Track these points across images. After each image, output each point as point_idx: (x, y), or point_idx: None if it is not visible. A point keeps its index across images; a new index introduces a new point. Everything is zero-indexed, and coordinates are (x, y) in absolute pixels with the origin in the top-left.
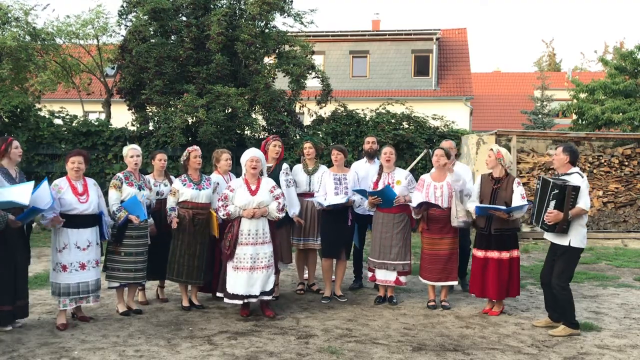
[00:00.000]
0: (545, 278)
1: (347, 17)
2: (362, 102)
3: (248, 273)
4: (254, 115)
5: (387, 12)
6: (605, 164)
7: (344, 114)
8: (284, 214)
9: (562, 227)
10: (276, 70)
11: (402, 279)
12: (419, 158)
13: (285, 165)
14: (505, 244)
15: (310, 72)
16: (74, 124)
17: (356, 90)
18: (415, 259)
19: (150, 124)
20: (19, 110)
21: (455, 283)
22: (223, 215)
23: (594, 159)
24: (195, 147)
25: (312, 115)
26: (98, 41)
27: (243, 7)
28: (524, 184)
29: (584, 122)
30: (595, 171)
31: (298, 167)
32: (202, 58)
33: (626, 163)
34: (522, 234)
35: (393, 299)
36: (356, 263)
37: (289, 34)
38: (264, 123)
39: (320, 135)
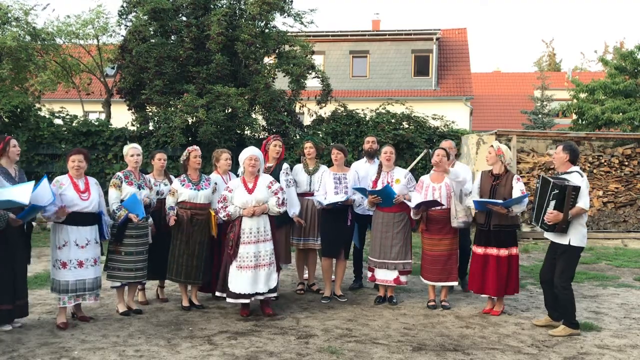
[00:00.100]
0: (545, 276)
1: (347, 17)
2: (362, 102)
3: (253, 271)
4: (254, 115)
5: (387, 12)
6: (605, 164)
7: (344, 114)
8: (285, 208)
9: (561, 227)
10: (276, 70)
11: (403, 278)
12: (419, 158)
13: (285, 165)
14: (504, 241)
15: (310, 72)
16: (74, 124)
17: (356, 90)
18: (415, 259)
19: (150, 124)
20: (19, 110)
21: (455, 283)
22: (224, 216)
23: (594, 159)
24: (195, 147)
25: (312, 115)
26: (98, 41)
27: (243, 7)
28: (524, 184)
29: (584, 122)
30: (595, 171)
31: (298, 167)
32: (202, 58)
33: (626, 163)
34: (522, 233)
35: (393, 299)
36: (356, 263)
37: (289, 34)
38: (264, 123)
39: (320, 135)
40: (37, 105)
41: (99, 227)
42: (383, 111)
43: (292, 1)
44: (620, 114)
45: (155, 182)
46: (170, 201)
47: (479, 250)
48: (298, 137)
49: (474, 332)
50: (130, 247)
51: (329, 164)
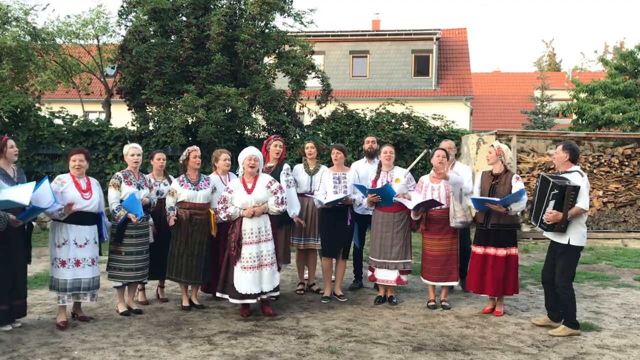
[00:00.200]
0: (546, 276)
1: (347, 17)
2: (362, 102)
3: (257, 271)
4: (254, 115)
5: (387, 12)
6: (605, 164)
7: (344, 114)
8: (284, 207)
9: (560, 227)
10: (276, 70)
11: (403, 277)
12: (419, 158)
13: (286, 166)
14: (503, 241)
15: (310, 72)
16: (74, 124)
17: (356, 90)
18: (416, 259)
19: (150, 124)
20: (19, 110)
21: (455, 283)
22: (224, 217)
23: (594, 159)
24: (195, 147)
25: (312, 115)
26: (98, 41)
27: (243, 7)
28: (524, 184)
29: (584, 122)
30: (595, 171)
31: (299, 167)
32: (202, 58)
33: (626, 163)
34: (522, 233)
35: (393, 299)
36: (356, 263)
37: (289, 34)
38: (264, 123)
39: (320, 135)
40: (37, 105)
41: (98, 228)
42: (383, 111)
43: (292, 1)
44: (620, 114)
45: (155, 182)
46: (170, 201)
47: (479, 250)
48: (298, 137)
49: (474, 332)
50: (130, 247)
51: (329, 164)
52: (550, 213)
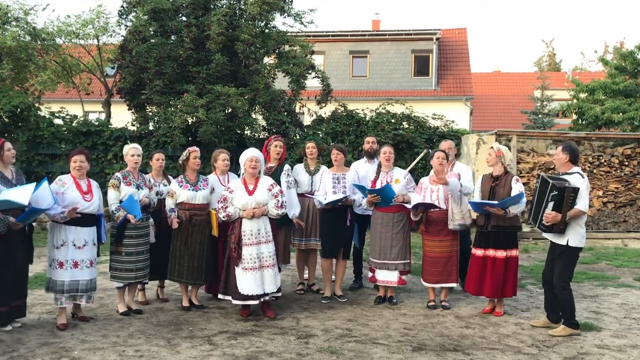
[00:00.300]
0: (546, 277)
1: (347, 17)
2: (362, 102)
3: (259, 272)
4: (254, 115)
5: (387, 12)
6: (605, 164)
7: (344, 114)
8: (283, 211)
9: (559, 228)
10: (276, 70)
11: (404, 277)
12: (418, 158)
13: (286, 167)
14: (503, 243)
15: (310, 72)
16: (74, 124)
17: (356, 90)
18: (415, 259)
19: (150, 124)
20: (19, 110)
21: (454, 285)
22: (223, 217)
23: (594, 159)
24: (195, 148)
25: (312, 115)
26: (98, 41)
27: (243, 7)
28: (524, 184)
29: (584, 122)
30: (595, 171)
31: (299, 167)
32: (202, 58)
33: (626, 163)
34: (522, 234)
35: (393, 299)
36: (356, 263)
37: (289, 34)
38: (264, 123)
39: (320, 135)
40: (37, 105)
41: (97, 229)
42: (383, 111)
43: (292, 1)
44: (620, 114)
45: (154, 183)
46: (169, 203)
47: (478, 252)
48: (298, 137)
49: (474, 332)
50: (130, 248)
51: (329, 164)
52: (549, 214)
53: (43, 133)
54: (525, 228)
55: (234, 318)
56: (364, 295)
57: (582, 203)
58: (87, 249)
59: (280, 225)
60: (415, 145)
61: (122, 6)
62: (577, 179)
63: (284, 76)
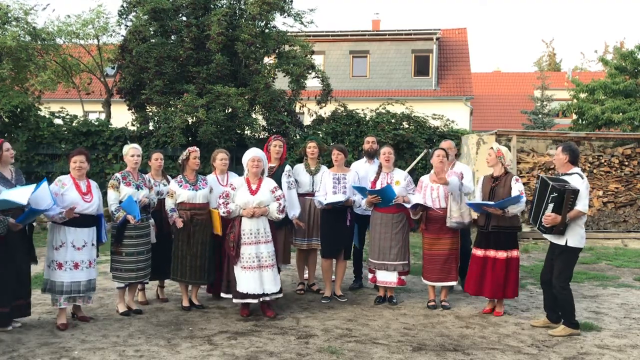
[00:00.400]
0: (545, 277)
1: (347, 17)
2: (362, 102)
3: (258, 272)
4: (254, 115)
5: (387, 12)
6: (605, 164)
7: (344, 114)
8: (283, 215)
9: (559, 229)
10: (276, 70)
11: (403, 278)
12: (418, 158)
13: (287, 167)
14: (503, 243)
15: (310, 72)
16: (74, 124)
17: (356, 90)
18: (415, 259)
19: (150, 124)
20: (19, 110)
21: (454, 283)
22: (223, 212)
23: (594, 159)
24: (195, 148)
25: (312, 115)
26: (98, 41)
27: (243, 7)
28: (524, 184)
29: (584, 122)
30: (595, 171)
31: (300, 167)
32: (202, 58)
33: (626, 163)
34: (522, 234)
35: (393, 299)
36: (356, 263)
37: (289, 34)
38: (264, 123)
39: (320, 135)
40: (37, 105)
41: (97, 230)
42: (383, 111)
43: (292, 1)
44: (620, 114)
45: (155, 183)
46: (169, 203)
47: (479, 252)
48: (298, 137)
49: (474, 332)
50: (131, 248)
51: (329, 164)
52: (549, 216)
53: (43, 133)
54: (525, 228)
55: (234, 318)
56: (364, 295)
57: (581, 204)
58: (87, 249)
59: (281, 225)
60: (415, 145)
61: (122, 6)
62: (576, 179)
63: (284, 76)
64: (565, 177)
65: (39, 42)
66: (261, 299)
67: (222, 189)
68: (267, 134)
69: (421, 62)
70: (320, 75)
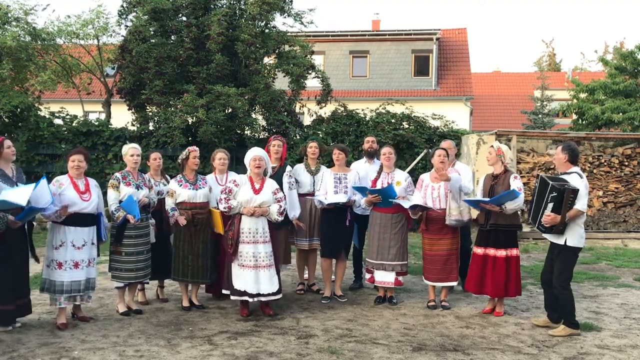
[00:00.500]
0: (545, 277)
1: (347, 17)
2: (362, 102)
3: (254, 271)
4: (254, 115)
5: (387, 12)
6: (605, 164)
7: (344, 114)
8: (283, 218)
9: (559, 229)
10: (276, 70)
11: (400, 279)
12: (419, 158)
13: (288, 168)
14: (503, 242)
15: (310, 72)
16: (74, 124)
17: (356, 90)
18: (415, 259)
19: (150, 124)
20: (19, 110)
21: (454, 283)
22: (224, 207)
23: (594, 159)
24: (195, 147)
25: (312, 115)
26: (98, 41)
27: (243, 7)
28: (524, 184)
29: (584, 122)
30: (595, 171)
31: (300, 167)
32: (202, 58)
33: (626, 163)
34: (522, 233)
35: (393, 299)
36: (356, 263)
37: (289, 34)
38: (264, 123)
39: (320, 135)
40: (37, 105)
41: (97, 228)
42: (383, 111)
43: (292, 1)
44: (620, 114)
45: (155, 182)
46: (170, 203)
47: (479, 250)
48: (298, 137)
49: (474, 332)
50: (130, 248)
51: (328, 164)
52: (548, 216)
53: (43, 133)
54: (525, 228)
55: (234, 318)
56: (364, 295)
57: (580, 203)
58: (87, 248)
59: (281, 226)
60: (415, 145)
61: (122, 6)
62: (575, 178)
63: (284, 76)
64: (565, 177)
65: (39, 42)
66: (255, 299)
67: (220, 189)
68: (267, 134)
69: (421, 62)
70: (320, 76)
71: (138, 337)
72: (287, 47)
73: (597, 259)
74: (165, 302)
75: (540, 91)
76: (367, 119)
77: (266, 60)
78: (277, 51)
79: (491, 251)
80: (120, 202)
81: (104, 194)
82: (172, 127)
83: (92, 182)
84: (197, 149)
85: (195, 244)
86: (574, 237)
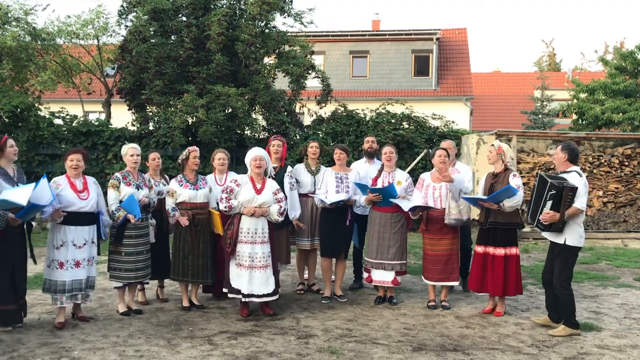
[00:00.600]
0: (546, 277)
1: (347, 17)
2: (362, 102)
3: (248, 271)
4: (254, 115)
5: (387, 12)
6: (605, 164)
7: (344, 114)
8: (283, 218)
9: (557, 227)
10: (276, 70)
11: (399, 278)
12: (419, 158)
13: (289, 168)
14: (501, 240)
15: (310, 72)
16: (74, 124)
17: (356, 90)
18: (415, 259)
19: (150, 124)
20: (19, 110)
21: (456, 283)
22: (225, 207)
23: (594, 159)
24: (195, 148)
25: (312, 115)
26: (98, 41)
27: (243, 7)
28: (524, 184)
29: (584, 122)
30: (595, 171)
31: (300, 167)
32: (202, 58)
33: (626, 163)
34: (522, 233)
35: (393, 299)
36: (356, 263)
37: (289, 34)
38: (264, 123)
39: (320, 135)
40: (37, 105)
41: (97, 227)
42: (383, 111)
43: (292, 1)
44: (620, 114)
45: (155, 182)
46: (170, 202)
47: (479, 249)
48: (298, 137)
49: (474, 332)
50: (130, 248)
51: (328, 164)
52: (547, 213)
53: (43, 133)
54: (526, 228)
55: (234, 318)
56: (364, 295)
57: (579, 201)
58: (87, 247)
59: (282, 226)
60: (415, 145)
61: (122, 6)
62: (574, 177)
63: (284, 76)
64: (564, 175)
65: (39, 42)
66: (248, 299)
67: (219, 189)
68: (267, 134)
69: (421, 62)
70: (320, 76)
71: (138, 337)
72: (287, 47)
73: (597, 259)
74: (165, 302)
75: (540, 91)
76: (367, 119)
77: (266, 60)
78: (277, 51)
79: (490, 249)
80: (120, 202)
81: (104, 194)
82: (172, 127)
83: (90, 180)
84: (197, 149)
85: (196, 244)
86: (574, 236)
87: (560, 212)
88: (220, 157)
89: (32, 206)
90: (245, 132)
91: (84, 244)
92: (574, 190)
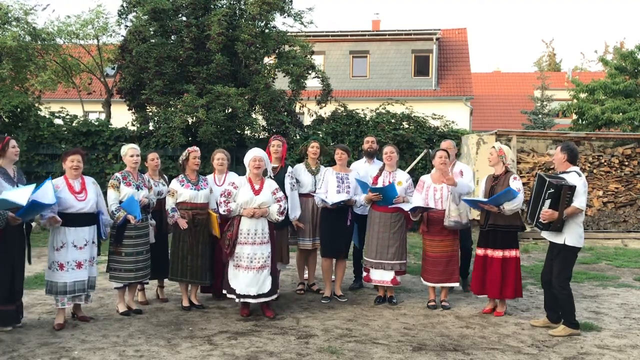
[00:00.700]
0: (545, 277)
1: (347, 17)
2: (362, 102)
3: (245, 272)
4: (254, 115)
5: (387, 12)
6: (605, 164)
7: (344, 114)
8: (283, 217)
9: (556, 226)
10: (276, 70)
11: (398, 278)
12: (419, 158)
13: (290, 169)
14: (501, 242)
15: (310, 72)
16: (74, 124)
17: (356, 90)
18: (415, 259)
19: (150, 124)
20: (19, 110)
21: (456, 284)
22: (224, 211)
23: (594, 159)
24: (195, 148)
25: (312, 115)
26: (98, 41)
27: (243, 7)
28: (524, 184)
29: (584, 122)
30: (595, 171)
31: (300, 167)
32: (202, 58)
33: (626, 163)
34: (522, 234)
35: (393, 299)
36: (356, 263)
37: (289, 34)
38: (264, 123)
39: (321, 135)
40: (37, 105)
41: (97, 227)
42: (383, 111)
43: (292, 1)
44: (620, 114)
45: (154, 183)
46: (170, 203)
47: (480, 251)
48: (298, 137)
49: (474, 332)
50: (130, 248)
51: (328, 164)
52: (546, 212)
53: (43, 133)
54: (526, 228)
55: (234, 318)
56: (364, 295)
57: (578, 201)
58: (88, 248)
59: (282, 226)
60: (415, 145)
61: (122, 6)
62: (573, 177)
63: (284, 76)
64: (563, 175)
65: (39, 42)
66: (242, 300)
67: (218, 189)
68: (267, 134)
69: (421, 62)
70: (320, 76)
71: (138, 337)
72: (287, 47)
73: (597, 259)
74: (165, 302)
75: (540, 91)
76: (367, 119)
77: (266, 60)
78: (277, 51)
79: (490, 252)
80: (120, 202)
81: (104, 194)
82: (172, 127)
83: (89, 180)
84: (198, 149)
85: (195, 245)
86: (573, 236)
87: (558, 211)
88: (219, 157)
89: (33, 206)
90: (245, 132)
91: (85, 245)
92: (572, 188)
